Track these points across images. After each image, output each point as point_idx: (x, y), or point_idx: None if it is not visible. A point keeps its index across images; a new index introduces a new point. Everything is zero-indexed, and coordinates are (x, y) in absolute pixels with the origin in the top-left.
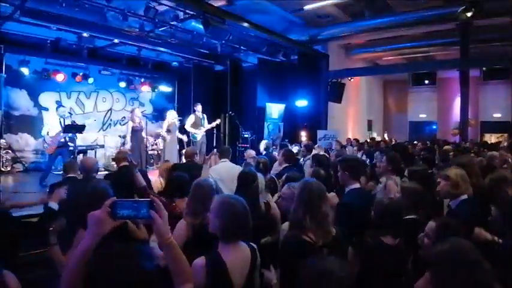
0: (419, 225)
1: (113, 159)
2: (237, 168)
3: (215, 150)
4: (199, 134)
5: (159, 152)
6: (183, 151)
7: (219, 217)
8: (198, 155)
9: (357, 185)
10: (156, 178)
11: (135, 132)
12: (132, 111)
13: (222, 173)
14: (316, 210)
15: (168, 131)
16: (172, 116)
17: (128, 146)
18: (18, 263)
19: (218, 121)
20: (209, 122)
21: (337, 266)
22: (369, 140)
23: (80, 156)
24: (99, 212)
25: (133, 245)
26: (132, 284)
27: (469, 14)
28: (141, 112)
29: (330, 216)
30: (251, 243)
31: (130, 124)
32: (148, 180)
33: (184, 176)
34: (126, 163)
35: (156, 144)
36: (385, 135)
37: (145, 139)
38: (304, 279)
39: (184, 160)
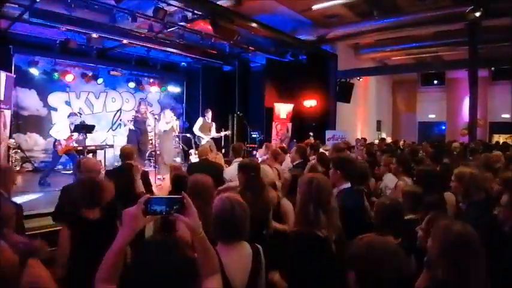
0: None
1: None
2: None
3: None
4: (205, 138)
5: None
6: (191, 151)
7: (213, 217)
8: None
9: (347, 185)
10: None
11: (132, 132)
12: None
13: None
14: (326, 206)
15: (164, 130)
16: (170, 116)
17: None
18: None
19: (228, 132)
20: (217, 128)
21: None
22: (377, 141)
23: (90, 156)
24: (134, 208)
25: (175, 236)
26: (172, 275)
27: (477, 14)
28: (151, 112)
29: (337, 211)
30: (256, 244)
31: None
32: (149, 182)
33: (183, 176)
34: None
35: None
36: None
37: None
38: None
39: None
